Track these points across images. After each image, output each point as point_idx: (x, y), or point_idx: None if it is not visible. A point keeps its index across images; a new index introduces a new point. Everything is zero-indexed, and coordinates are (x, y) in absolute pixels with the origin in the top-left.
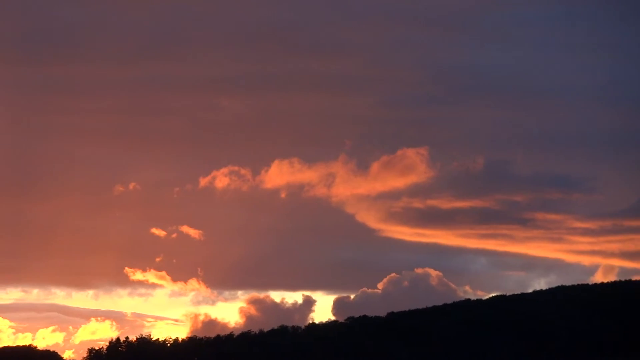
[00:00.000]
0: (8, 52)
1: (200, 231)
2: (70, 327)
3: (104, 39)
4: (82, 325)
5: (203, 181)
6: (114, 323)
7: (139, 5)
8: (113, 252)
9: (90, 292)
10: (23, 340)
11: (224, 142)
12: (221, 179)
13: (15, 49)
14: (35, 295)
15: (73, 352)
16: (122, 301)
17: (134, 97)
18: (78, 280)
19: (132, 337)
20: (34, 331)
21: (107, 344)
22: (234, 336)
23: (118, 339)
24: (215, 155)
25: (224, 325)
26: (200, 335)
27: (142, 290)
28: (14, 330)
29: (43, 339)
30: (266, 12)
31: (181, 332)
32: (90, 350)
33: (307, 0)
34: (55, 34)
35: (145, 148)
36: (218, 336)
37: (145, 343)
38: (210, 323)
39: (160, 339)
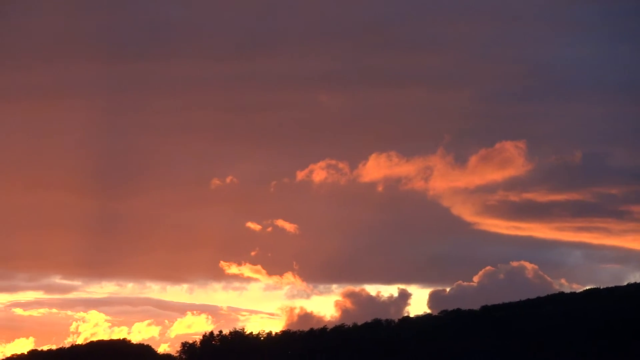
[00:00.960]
0: (106, 49)
1: (296, 225)
2: (166, 321)
3: (200, 36)
4: (178, 319)
5: (300, 175)
6: (209, 317)
7: (236, 2)
8: (208, 246)
9: (185, 286)
10: (119, 334)
11: (321, 136)
12: (318, 173)
13: (113, 47)
14: (130, 289)
15: (168, 346)
16: (217, 295)
17: (232, 94)
18: (173, 274)
19: (226, 331)
20: (129, 325)
21: (201, 337)
22: (327, 330)
23: (212, 333)
24: (312, 149)
25: (319, 319)
26: (295, 329)
27: (237, 284)
28: (109, 324)
29: (139, 333)
30: (364, 6)
31: (276, 326)
32: (184, 344)
33: None
34: (153, 31)
35: (243, 142)
36: (311, 330)
37: (238, 337)
38: (306, 316)
39: (254, 333)
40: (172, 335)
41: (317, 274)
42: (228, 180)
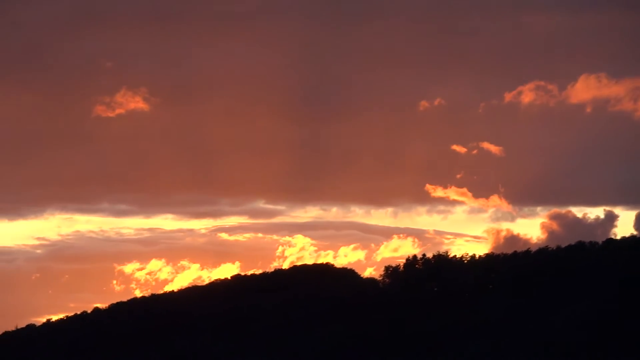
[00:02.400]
0: None
1: (502, 147)
2: (372, 245)
3: None
4: (384, 243)
5: (508, 96)
6: (415, 240)
7: None
8: (414, 170)
9: (390, 209)
10: (325, 257)
11: (530, 58)
12: (527, 94)
13: None
14: (334, 213)
15: (374, 270)
16: (420, 219)
17: (440, 18)
18: (377, 198)
19: (429, 255)
20: (335, 249)
21: (404, 261)
22: (531, 252)
23: (415, 257)
24: (521, 71)
25: (526, 241)
26: (500, 251)
27: (442, 207)
28: (315, 248)
29: (345, 257)
30: None
31: (481, 249)
32: (387, 268)
33: None
34: None
35: (452, 65)
36: (515, 252)
37: (442, 260)
38: (512, 239)
39: (457, 256)
40: (378, 258)
41: (523, 196)
42: (436, 102)
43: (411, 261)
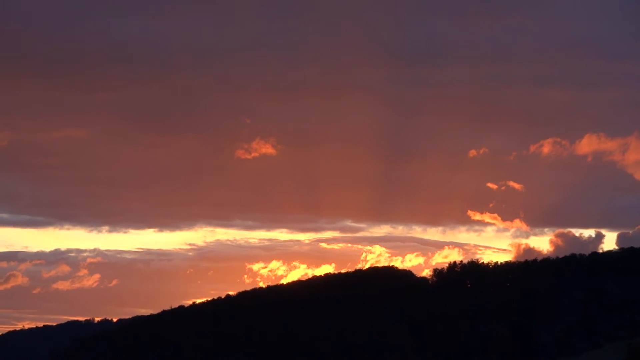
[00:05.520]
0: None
1: (523, 185)
2: (429, 253)
3: None
4: (438, 252)
5: (533, 148)
6: (460, 250)
7: None
8: (459, 200)
9: (440, 227)
10: (395, 262)
11: (549, 121)
12: (546, 146)
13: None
14: (400, 230)
15: (430, 271)
16: (461, 235)
17: (485, 87)
18: (432, 219)
19: (465, 261)
20: (402, 256)
21: (447, 265)
22: (537, 260)
23: (455, 262)
24: (543, 130)
25: (538, 252)
26: (521, 259)
27: (477, 227)
28: (389, 254)
29: (409, 261)
30: None
31: (503, 258)
32: (435, 270)
33: None
34: None
35: (493, 123)
36: (526, 261)
37: (473, 265)
38: (529, 251)
39: (485, 262)
40: (433, 263)
41: (537, 220)
42: (481, 151)
43: (452, 265)
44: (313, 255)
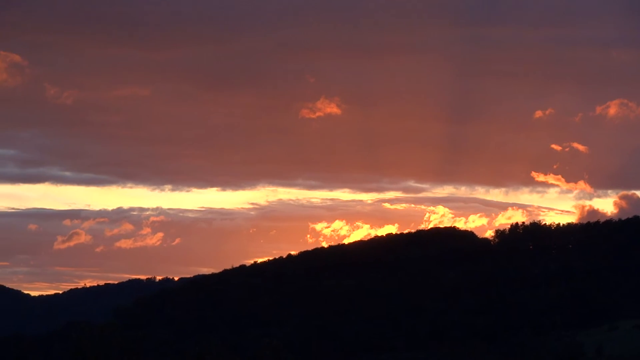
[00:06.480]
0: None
1: (587, 146)
2: (493, 214)
3: None
4: (501, 213)
5: (599, 109)
6: (523, 211)
7: None
8: (523, 161)
9: (503, 189)
10: (458, 223)
11: (617, 82)
12: (613, 108)
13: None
14: (462, 190)
15: (493, 232)
16: (524, 196)
17: (554, 48)
18: (495, 180)
19: (527, 222)
20: (466, 216)
21: (509, 226)
22: (600, 222)
23: (517, 223)
24: (610, 91)
25: (602, 214)
26: (584, 221)
27: (540, 189)
28: (452, 215)
29: (472, 222)
30: None
31: (566, 219)
32: (497, 231)
33: None
34: None
35: (561, 83)
36: (588, 222)
37: (535, 226)
38: (593, 212)
39: (547, 223)
40: (497, 224)
41: (602, 182)
42: (548, 112)
43: (515, 227)
44: (376, 216)
